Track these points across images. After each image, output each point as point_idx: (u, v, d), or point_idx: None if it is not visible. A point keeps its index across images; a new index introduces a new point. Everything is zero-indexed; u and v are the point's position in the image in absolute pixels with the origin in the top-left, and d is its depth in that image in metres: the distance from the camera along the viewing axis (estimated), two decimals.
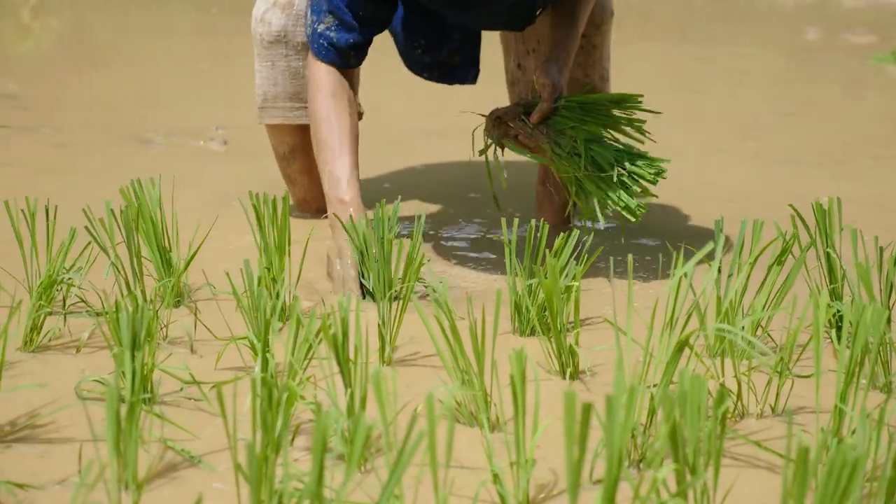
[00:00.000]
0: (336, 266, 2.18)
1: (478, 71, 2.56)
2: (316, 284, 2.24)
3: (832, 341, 1.96)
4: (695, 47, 6.02)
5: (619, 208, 2.27)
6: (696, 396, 1.26)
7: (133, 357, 1.50)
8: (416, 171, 3.28)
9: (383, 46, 2.68)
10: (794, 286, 1.94)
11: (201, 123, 3.74)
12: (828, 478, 1.17)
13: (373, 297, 2.11)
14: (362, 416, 1.21)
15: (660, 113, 2.40)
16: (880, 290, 1.90)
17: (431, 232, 2.65)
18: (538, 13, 2.38)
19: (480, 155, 2.40)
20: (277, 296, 1.81)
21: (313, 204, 2.76)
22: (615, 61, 2.82)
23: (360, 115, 2.43)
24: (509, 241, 2.00)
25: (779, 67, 5.44)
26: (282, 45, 2.60)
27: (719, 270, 1.78)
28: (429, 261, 2.31)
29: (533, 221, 2.07)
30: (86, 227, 2.00)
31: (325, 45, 2.37)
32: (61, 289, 1.96)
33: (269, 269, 2.02)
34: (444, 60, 2.52)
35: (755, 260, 1.87)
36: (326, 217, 2.33)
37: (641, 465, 1.51)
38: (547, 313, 1.89)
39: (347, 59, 2.39)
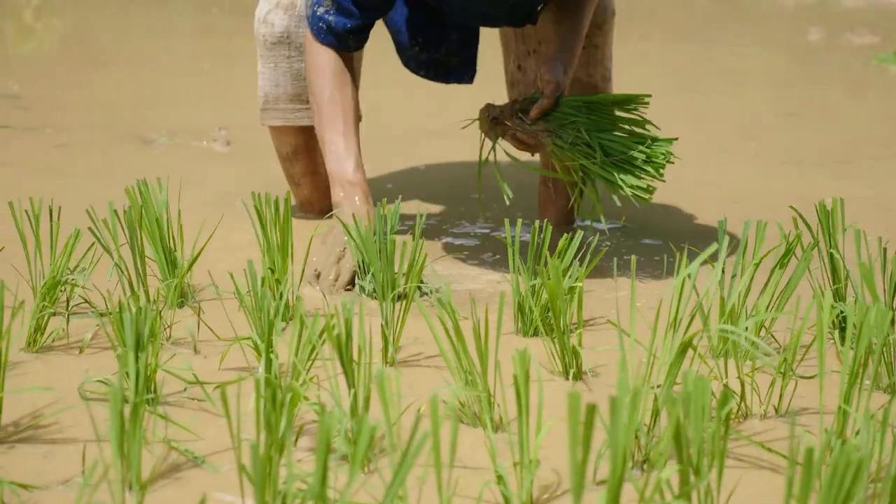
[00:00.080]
0: (330, 244, 2.19)
1: (474, 71, 2.56)
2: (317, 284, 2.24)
3: (835, 342, 1.96)
4: (696, 47, 6.02)
5: (631, 191, 2.26)
6: (700, 397, 1.26)
7: (137, 357, 1.50)
8: (417, 172, 3.28)
9: (383, 47, 2.68)
10: (798, 287, 1.94)
11: (203, 124, 3.75)
12: (831, 479, 1.17)
13: (363, 289, 2.13)
14: (366, 417, 1.21)
15: (660, 129, 2.39)
16: (884, 290, 1.90)
17: (434, 232, 2.65)
18: (539, 9, 2.37)
19: (484, 165, 2.39)
20: (281, 296, 1.81)
21: (316, 205, 2.76)
22: (617, 61, 2.82)
23: (359, 119, 2.43)
24: (512, 242, 2.00)
25: (780, 68, 5.44)
26: (284, 47, 2.60)
27: (723, 271, 1.78)
28: (432, 262, 2.31)
29: (536, 222, 2.07)
30: (89, 228, 2.00)
31: (324, 28, 2.37)
32: (65, 289, 1.96)
33: (272, 270, 2.02)
34: (442, 59, 2.51)
35: (759, 261, 1.87)
36: (330, 217, 2.33)
37: (645, 466, 1.51)
38: (550, 314, 1.89)
39: (346, 43, 2.39)
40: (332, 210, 2.70)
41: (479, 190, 2.48)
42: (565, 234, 2.02)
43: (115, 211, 2.02)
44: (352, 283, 2.19)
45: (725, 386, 1.35)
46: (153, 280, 2.13)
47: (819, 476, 1.34)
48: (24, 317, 1.86)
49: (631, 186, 2.25)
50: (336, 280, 2.19)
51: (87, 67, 5.02)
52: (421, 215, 2.12)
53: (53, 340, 1.89)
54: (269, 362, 1.62)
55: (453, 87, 2.62)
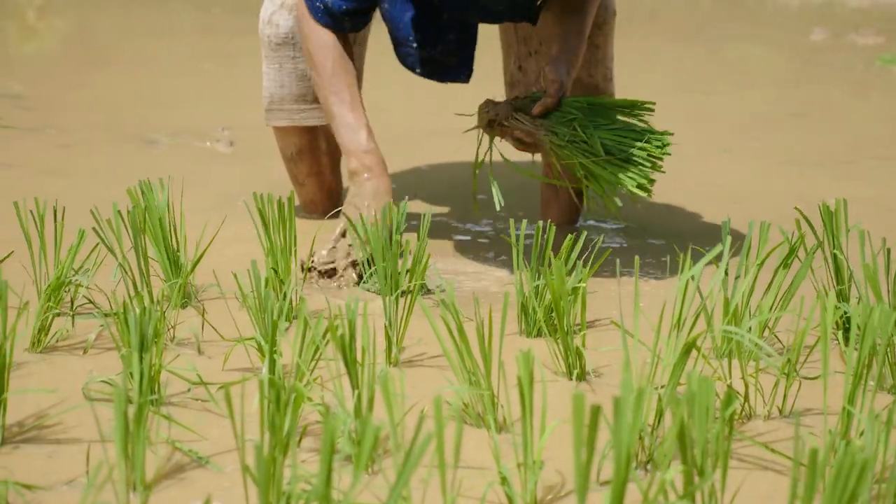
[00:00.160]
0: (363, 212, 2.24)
1: (471, 70, 2.56)
2: (318, 282, 2.24)
3: (839, 343, 1.96)
4: (698, 47, 6.01)
5: (631, 188, 2.26)
6: (704, 398, 1.26)
7: (141, 358, 1.50)
8: (419, 171, 3.27)
9: (383, 47, 2.68)
10: (801, 287, 1.93)
11: (206, 124, 3.75)
12: (836, 480, 1.17)
13: (361, 278, 2.16)
14: (369, 418, 1.22)
15: (671, 134, 2.36)
16: (888, 291, 1.90)
17: (436, 232, 2.65)
18: (538, 2, 2.36)
19: (479, 167, 2.39)
20: (284, 297, 1.81)
21: (320, 205, 2.76)
22: (619, 61, 2.82)
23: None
24: (516, 242, 2.00)
25: (783, 67, 5.44)
26: (289, 48, 2.60)
27: (726, 272, 1.78)
28: (435, 263, 2.31)
29: (540, 222, 2.07)
30: (94, 229, 2.00)
31: (321, 7, 2.38)
32: (69, 290, 1.96)
33: (275, 271, 2.02)
34: (439, 58, 2.51)
35: (762, 262, 1.86)
36: (333, 217, 2.34)
37: (649, 467, 1.51)
38: (554, 314, 1.89)
39: (341, 24, 2.40)
40: (334, 210, 2.71)
41: (473, 191, 2.48)
42: (569, 235, 2.02)
43: (119, 212, 2.02)
44: (354, 265, 2.22)
45: (729, 387, 1.35)
46: (156, 280, 2.13)
47: (823, 477, 1.34)
48: (29, 317, 1.86)
49: (631, 182, 2.25)
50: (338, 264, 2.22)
51: (90, 67, 5.02)
52: (426, 215, 2.12)
53: (58, 341, 1.89)
54: (272, 363, 1.62)
55: (453, 86, 2.62)
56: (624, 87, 2.95)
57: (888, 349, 1.72)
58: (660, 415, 1.53)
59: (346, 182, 2.83)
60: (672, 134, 2.31)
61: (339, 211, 2.39)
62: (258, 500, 1.25)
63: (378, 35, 2.77)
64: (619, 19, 2.72)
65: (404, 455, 1.17)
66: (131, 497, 1.39)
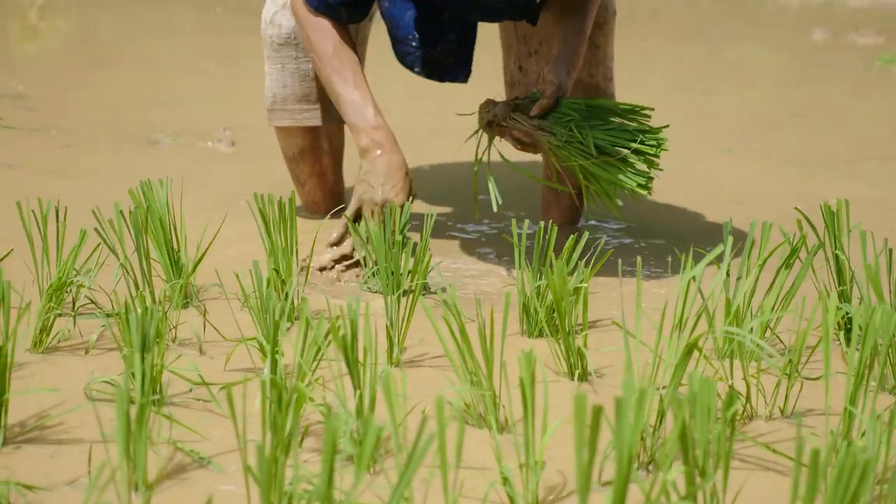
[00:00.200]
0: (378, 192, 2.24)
1: (470, 70, 2.55)
2: (318, 280, 2.24)
3: (841, 343, 1.96)
4: (699, 47, 6.01)
5: (630, 187, 2.26)
6: (706, 398, 1.27)
7: (142, 358, 1.50)
8: (420, 171, 3.27)
9: (383, 47, 2.68)
10: (803, 288, 1.94)
11: (208, 124, 3.75)
12: (837, 480, 1.17)
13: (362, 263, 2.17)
14: (371, 418, 1.22)
15: (666, 125, 2.37)
16: (889, 291, 1.90)
17: (437, 232, 2.65)
18: (539, 1, 2.36)
19: (478, 166, 2.39)
20: (286, 297, 1.81)
21: (322, 205, 2.76)
22: (619, 61, 2.82)
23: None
24: (518, 242, 2.01)
25: (784, 68, 5.44)
26: (292, 48, 2.60)
27: (728, 272, 1.78)
28: (438, 263, 2.31)
29: (541, 222, 2.07)
30: (95, 229, 2.00)
31: None
32: (71, 290, 1.96)
33: (277, 271, 2.02)
34: (438, 58, 2.51)
35: (764, 262, 1.87)
36: (335, 217, 2.34)
37: (651, 468, 1.51)
38: (555, 315, 1.90)
39: (338, 14, 2.40)
40: (335, 209, 2.71)
41: (474, 191, 2.48)
42: (571, 235, 2.02)
43: (121, 212, 2.02)
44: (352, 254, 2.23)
45: (731, 387, 1.35)
46: (157, 281, 2.13)
47: (825, 477, 1.34)
48: (31, 317, 1.86)
49: (630, 182, 2.26)
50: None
51: (92, 67, 5.02)
52: (430, 215, 2.12)
53: (59, 341, 1.89)
54: (274, 363, 1.62)
55: (454, 86, 2.62)
56: (624, 87, 2.96)
57: (890, 350, 1.72)
58: (661, 415, 1.53)
59: (347, 182, 2.83)
60: (667, 126, 2.31)
61: (341, 210, 2.39)
62: (260, 501, 1.25)
63: (378, 35, 2.77)
64: (619, 19, 2.72)
65: (406, 455, 1.17)
66: (133, 497, 1.39)
